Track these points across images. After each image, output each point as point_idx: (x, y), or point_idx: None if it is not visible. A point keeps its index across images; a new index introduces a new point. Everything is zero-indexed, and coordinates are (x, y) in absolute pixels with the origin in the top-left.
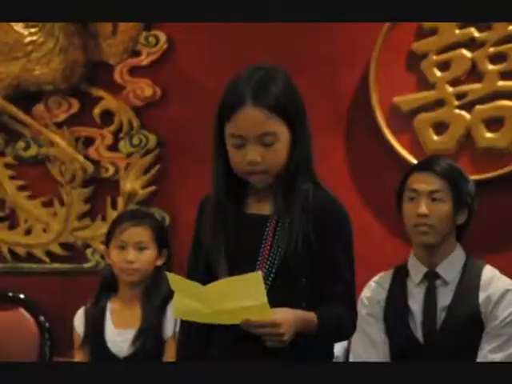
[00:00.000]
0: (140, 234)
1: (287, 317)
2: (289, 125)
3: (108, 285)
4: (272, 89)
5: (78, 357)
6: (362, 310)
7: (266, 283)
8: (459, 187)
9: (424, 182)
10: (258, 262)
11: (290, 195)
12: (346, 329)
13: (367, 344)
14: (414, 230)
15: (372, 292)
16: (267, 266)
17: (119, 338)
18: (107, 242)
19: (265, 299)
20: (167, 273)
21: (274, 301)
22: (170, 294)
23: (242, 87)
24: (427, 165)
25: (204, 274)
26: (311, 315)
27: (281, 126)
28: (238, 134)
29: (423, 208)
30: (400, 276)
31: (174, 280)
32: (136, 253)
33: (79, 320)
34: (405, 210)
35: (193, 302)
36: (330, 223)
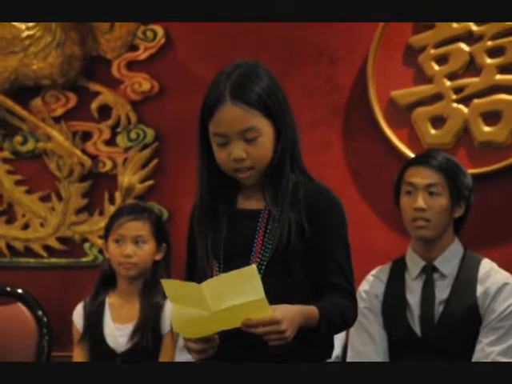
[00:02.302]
0: (138, 228)
1: (287, 313)
2: (271, 119)
3: (107, 279)
4: (250, 85)
5: (77, 352)
6: (360, 304)
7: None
8: (456, 180)
9: (421, 176)
10: (252, 256)
11: (278, 187)
12: (347, 318)
13: (365, 338)
14: (411, 224)
15: (370, 286)
16: (259, 260)
17: (117, 332)
18: (105, 236)
19: (262, 294)
20: (162, 280)
21: (269, 293)
22: None
23: (221, 86)
24: (424, 158)
25: (200, 278)
26: (312, 309)
27: (262, 121)
28: (220, 132)
29: (420, 202)
30: (398, 269)
31: (169, 286)
32: (134, 247)
33: (78, 315)
34: (402, 203)
35: (191, 308)
36: (324, 212)
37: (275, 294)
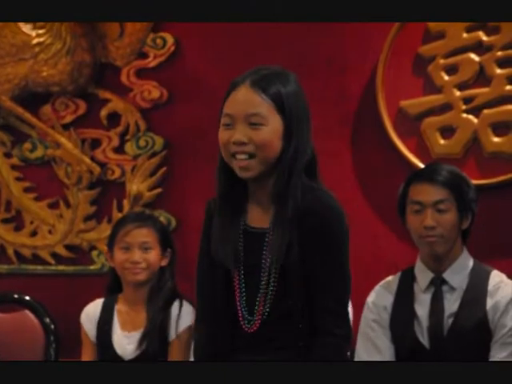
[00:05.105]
0: (144, 234)
1: None
2: (283, 117)
3: (115, 287)
4: (275, 80)
5: (85, 356)
6: (367, 315)
7: (268, 292)
8: (462, 194)
9: (427, 193)
10: (262, 275)
11: (284, 204)
12: (339, 356)
13: (372, 351)
14: (421, 240)
15: (378, 297)
16: (267, 278)
17: (125, 340)
18: (110, 244)
19: None
20: None
21: (272, 321)
22: (173, 295)
23: (247, 74)
24: (429, 175)
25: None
26: None
27: (272, 113)
28: (228, 112)
29: (429, 220)
30: (407, 281)
31: None
32: (141, 253)
33: (87, 320)
34: (410, 222)
35: None
36: (316, 234)
37: (277, 320)
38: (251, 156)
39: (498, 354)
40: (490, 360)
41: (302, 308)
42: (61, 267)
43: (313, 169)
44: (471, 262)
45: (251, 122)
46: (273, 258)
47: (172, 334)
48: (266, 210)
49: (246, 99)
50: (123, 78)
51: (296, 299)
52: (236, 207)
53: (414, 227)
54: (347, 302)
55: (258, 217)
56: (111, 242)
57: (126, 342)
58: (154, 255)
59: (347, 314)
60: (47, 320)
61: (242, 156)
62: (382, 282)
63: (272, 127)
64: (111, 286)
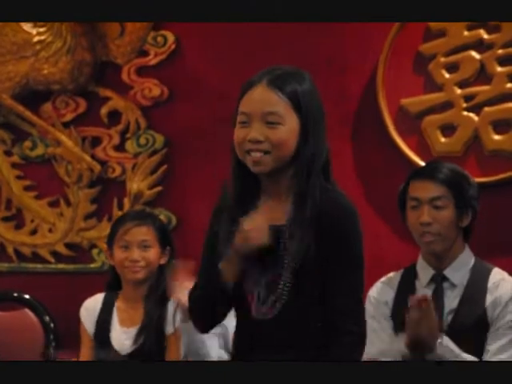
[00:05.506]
0: (144, 233)
1: None
2: (300, 116)
3: (114, 284)
4: (291, 80)
5: (83, 351)
6: (369, 308)
7: (286, 291)
8: (461, 191)
9: (425, 190)
10: (274, 273)
11: (302, 205)
12: (356, 355)
13: (376, 342)
14: (420, 238)
15: (380, 292)
16: (282, 277)
17: (123, 335)
18: (109, 243)
19: None
20: None
21: (287, 318)
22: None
23: (262, 73)
24: (427, 172)
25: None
26: None
27: (289, 112)
28: (245, 110)
29: (425, 216)
30: (409, 276)
31: None
32: (140, 252)
33: (87, 315)
34: (408, 218)
35: None
36: (334, 234)
37: (292, 318)
38: (266, 153)
39: (492, 342)
40: (485, 349)
41: (316, 307)
42: (61, 266)
43: (326, 169)
44: (472, 260)
45: (268, 121)
46: (290, 256)
47: (169, 329)
48: (277, 208)
49: (262, 98)
50: (124, 76)
51: (310, 298)
52: (247, 206)
53: (411, 224)
54: (362, 300)
55: (267, 213)
56: (111, 240)
57: (124, 338)
58: (153, 253)
59: (363, 311)
60: (47, 318)
61: (258, 154)
62: (384, 278)
63: (289, 126)
64: (111, 284)
